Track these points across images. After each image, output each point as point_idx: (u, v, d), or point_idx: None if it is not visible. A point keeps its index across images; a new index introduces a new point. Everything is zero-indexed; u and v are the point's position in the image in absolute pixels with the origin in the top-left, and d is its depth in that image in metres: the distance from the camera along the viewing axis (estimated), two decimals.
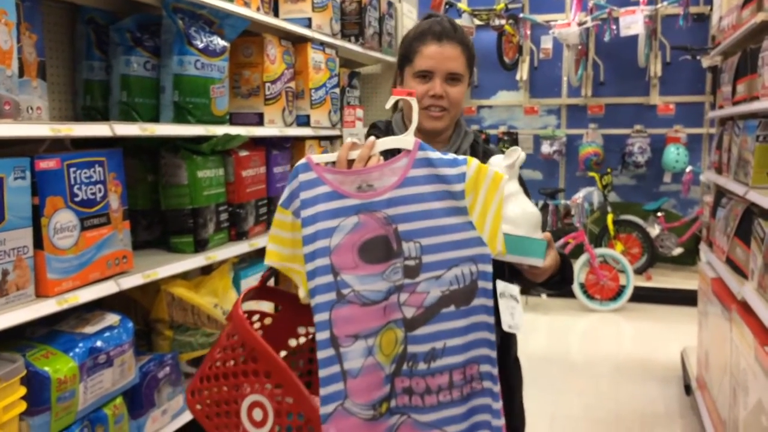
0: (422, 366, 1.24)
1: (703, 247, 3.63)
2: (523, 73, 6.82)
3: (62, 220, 1.69)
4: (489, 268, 1.27)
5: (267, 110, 2.73)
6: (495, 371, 1.28)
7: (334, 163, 1.32)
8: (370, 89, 4.34)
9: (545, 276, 1.46)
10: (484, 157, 1.61)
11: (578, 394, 4.01)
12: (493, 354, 1.28)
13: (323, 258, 1.24)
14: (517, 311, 1.36)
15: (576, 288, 5.76)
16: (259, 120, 2.71)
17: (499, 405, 1.28)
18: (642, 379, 4.22)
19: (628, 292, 5.71)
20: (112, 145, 1.97)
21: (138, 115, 2.24)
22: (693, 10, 6.18)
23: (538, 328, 5.38)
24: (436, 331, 1.25)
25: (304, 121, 3.05)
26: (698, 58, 5.97)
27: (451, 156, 1.31)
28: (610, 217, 6.08)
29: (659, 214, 6.22)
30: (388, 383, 1.24)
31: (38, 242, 1.63)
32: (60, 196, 1.68)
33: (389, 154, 1.35)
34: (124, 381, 1.88)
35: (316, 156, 1.32)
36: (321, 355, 1.23)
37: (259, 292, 1.43)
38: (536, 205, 6.90)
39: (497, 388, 1.28)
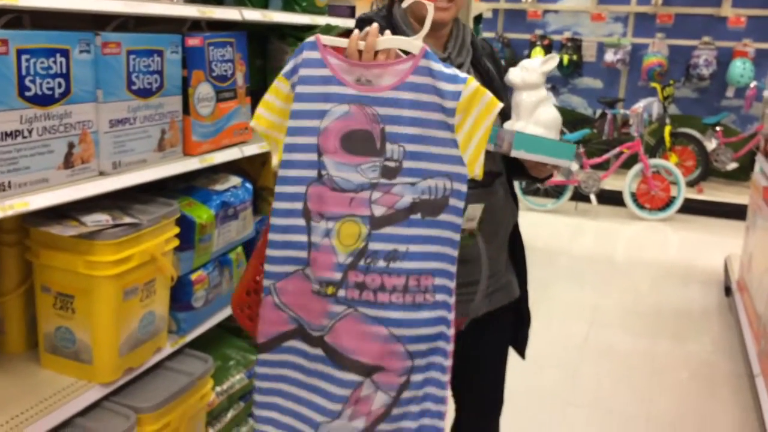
0: (381, 264, 1.27)
1: (759, 158, 3.76)
2: None
3: (203, 91, 1.97)
4: (464, 188, 1.29)
5: (358, 3, 2.92)
6: (452, 285, 1.30)
7: (344, 49, 1.30)
8: None
9: (546, 173, 1.55)
10: (483, 51, 1.64)
11: (620, 291, 4.31)
12: (453, 269, 1.30)
13: (310, 137, 1.29)
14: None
15: (626, 196, 5.94)
16: (350, 13, 2.91)
17: (452, 316, 1.30)
18: (683, 282, 4.48)
19: (678, 203, 5.87)
20: (231, 29, 2.22)
21: (250, 2, 2.47)
22: None
23: (586, 232, 5.64)
24: (402, 235, 1.28)
25: None
26: None
27: (452, 71, 1.28)
28: (667, 129, 6.15)
29: (717, 128, 6.26)
30: (340, 272, 1.28)
31: (186, 109, 1.92)
32: (202, 70, 1.96)
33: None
34: (245, 233, 2.22)
35: (325, 37, 1.31)
36: (290, 222, 1.29)
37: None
38: (593, 113, 6.89)
39: (452, 300, 1.30)
